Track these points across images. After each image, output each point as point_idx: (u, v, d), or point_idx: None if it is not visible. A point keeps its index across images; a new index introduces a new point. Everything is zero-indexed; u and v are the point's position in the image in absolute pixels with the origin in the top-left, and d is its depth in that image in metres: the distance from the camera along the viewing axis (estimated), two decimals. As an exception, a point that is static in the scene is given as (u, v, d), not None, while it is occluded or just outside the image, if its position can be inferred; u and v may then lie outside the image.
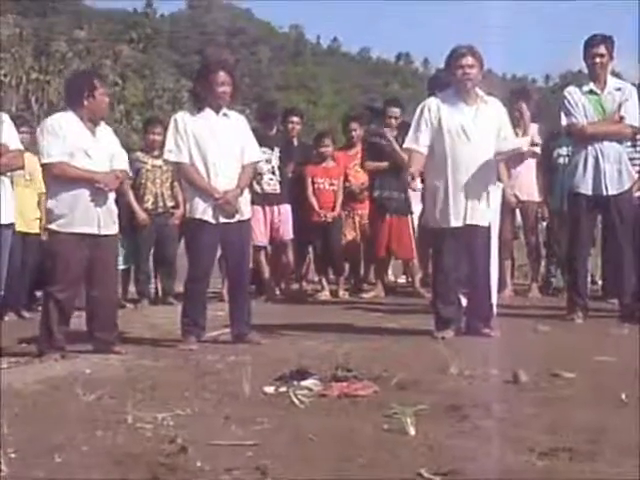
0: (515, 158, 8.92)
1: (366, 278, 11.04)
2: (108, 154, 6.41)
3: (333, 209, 10.01)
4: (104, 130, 6.54)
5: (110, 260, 6.54)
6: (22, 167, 6.70)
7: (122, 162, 6.58)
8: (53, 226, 6.32)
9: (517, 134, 7.86)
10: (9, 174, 6.40)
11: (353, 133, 10.52)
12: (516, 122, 8.31)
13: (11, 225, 6.32)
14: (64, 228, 6.25)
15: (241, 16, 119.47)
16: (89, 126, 6.36)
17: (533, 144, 7.54)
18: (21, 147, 6.39)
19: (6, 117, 6.30)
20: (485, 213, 6.67)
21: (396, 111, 9.79)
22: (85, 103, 6.34)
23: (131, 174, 7.17)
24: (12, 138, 6.21)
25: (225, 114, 6.70)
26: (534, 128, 9.34)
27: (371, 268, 10.94)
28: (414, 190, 7.11)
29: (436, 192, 6.71)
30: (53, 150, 6.22)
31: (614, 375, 4.87)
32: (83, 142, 6.29)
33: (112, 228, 6.45)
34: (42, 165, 6.46)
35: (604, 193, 7.32)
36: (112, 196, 6.51)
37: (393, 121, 9.70)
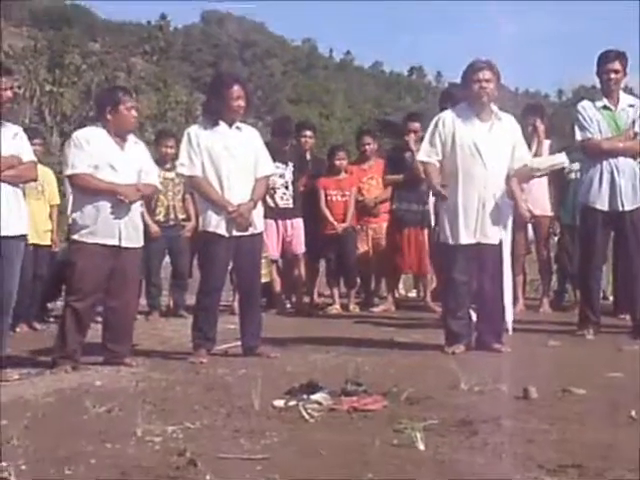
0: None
1: (377, 292, 11.06)
2: (136, 168, 6.46)
3: (344, 221, 10.01)
4: (134, 145, 6.59)
5: (131, 273, 6.54)
6: (35, 179, 6.74)
7: (151, 177, 6.63)
8: (75, 236, 6.40)
9: (530, 150, 7.86)
10: (22, 185, 6.42)
11: (366, 147, 10.52)
12: (529, 138, 8.33)
13: (24, 236, 6.34)
14: (85, 238, 6.31)
15: (254, 29, 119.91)
16: (117, 140, 6.42)
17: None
18: (34, 159, 6.43)
19: (19, 129, 6.34)
20: (496, 230, 6.66)
21: (417, 125, 9.74)
22: (109, 117, 6.41)
23: (161, 188, 7.18)
24: (25, 150, 6.26)
25: (238, 127, 6.71)
26: (546, 144, 9.34)
27: (381, 282, 10.94)
28: (446, 199, 6.87)
29: (448, 208, 6.70)
30: (77, 162, 6.30)
31: (625, 392, 4.85)
32: (109, 155, 6.35)
33: (135, 241, 6.49)
34: (66, 176, 6.54)
35: (620, 209, 7.30)
36: (137, 209, 6.54)
37: (413, 135, 9.65)
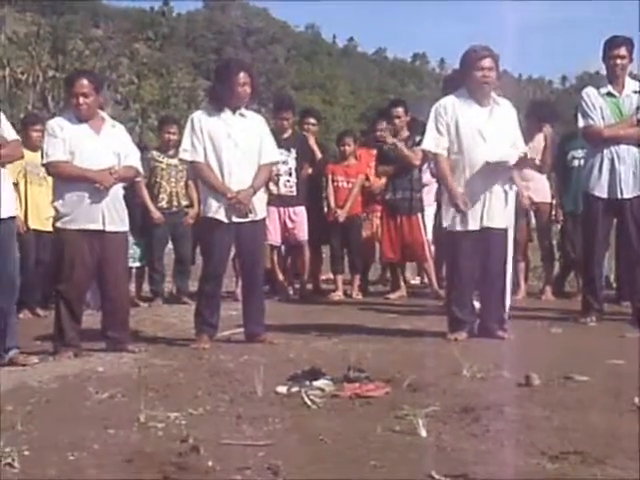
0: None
1: (382, 279, 11.14)
2: (114, 152, 6.41)
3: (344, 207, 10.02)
4: (111, 128, 6.54)
5: (118, 258, 6.51)
6: (22, 157, 6.60)
7: (130, 159, 6.55)
8: (58, 224, 6.39)
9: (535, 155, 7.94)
10: (15, 168, 6.33)
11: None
12: (532, 135, 8.37)
13: (13, 218, 6.12)
14: (68, 225, 6.31)
15: (257, 15, 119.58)
16: (91, 125, 6.39)
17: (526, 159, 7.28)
18: (18, 137, 6.23)
19: None
20: (502, 215, 6.64)
21: (399, 110, 9.78)
22: (70, 104, 6.44)
23: (142, 172, 7.12)
24: (8, 129, 6.04)
25: (242, 114, 6.69)
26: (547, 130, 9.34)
27: (386, 269, 11.00)
28: (464, 209, 6.57)
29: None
30: (51, 150, 6.30)
31: (627, 379, 4.84)
32: (84, 141, 6.33)
33: (119, 225, 6.45)
34: (42, 165, 6.57)
35: (619, 196, 7.28)
36: (118, 193, 6.51)
37: (397, 121, 9.71)
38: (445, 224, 6.84)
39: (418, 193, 9.65)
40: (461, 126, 6.61)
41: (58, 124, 6.39)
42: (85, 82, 6.37)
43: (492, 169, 6.56)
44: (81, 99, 6.32)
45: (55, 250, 6.72)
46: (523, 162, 6.91)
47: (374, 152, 10.35)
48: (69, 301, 6.31)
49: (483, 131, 6.59)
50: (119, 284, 6.54)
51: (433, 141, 6.72)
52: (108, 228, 6.33)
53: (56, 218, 6.45)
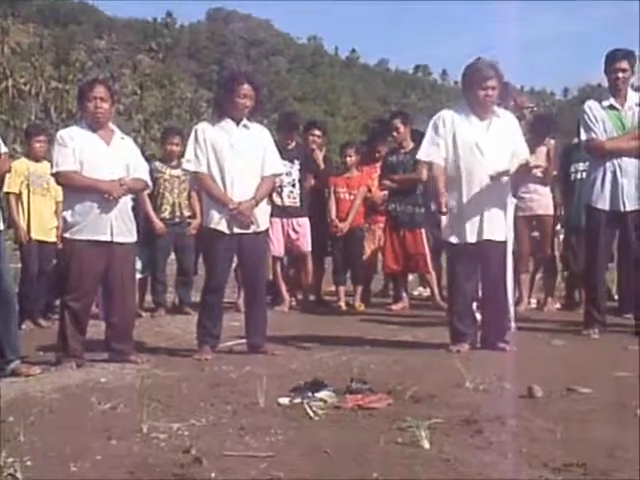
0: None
1: (386, 290, 11.14)
2: (123, 163, 6.43)
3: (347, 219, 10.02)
4: (120, 140, 6.57)
5: (125, 269, 6.51)
6: (8, 171, 6.60)
7: (140, 172, 6.59)
8: (67, 234, 6.39)
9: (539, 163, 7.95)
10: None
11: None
12: (535, 146, 8.36)
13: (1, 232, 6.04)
14: (77, 236, 6.30)
15: (260, 27, 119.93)
16: (101, 136, 6.41)
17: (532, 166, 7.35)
18: (6, 149, 6.20)
19: None
20: (501, 228, 6.65)
21: (397, 122, 9.82)
22: (83, 112, 6.46)
23: (151, 185, 7.13)
24: None
25: (245, 125, 6.70)
26: (551, 143, 9.34)
27: (388, 280, 11.02)
28: (445, 212, 6.63)
29: (451, 207, 6.67)
30: (61, 160, 6.30)
31: (630, 391, 4.83)
32: (94, 152, 6.34)
33: (127, 236, 6.46)
34: (51, 175, 6.58)
35: (621, 209, 7.27)
36: (127, 204, 6.53)
37: (395, 134, 9.78)
38: (444, 236, 6.85)
39: (422, 208, 9.66)
40: (459, 139, 6.62)
41: (69, 134, 6.41)
42: (102, 88, 6.46)
43: (490, 182, 6.57)
44: (99, 102, 6.36)
45: (62, 260, 6.72)
46: (525, 170, 6.93)
47: (377, 164, 10.38)
48: (75, 312, 6.30)
49: (481, 144, 6.60)
50: (126, 295, 6.54)
51: (428, 151, 6.76)
52: (116, 239, 6.34)
53: (65, 228, 6.46)
